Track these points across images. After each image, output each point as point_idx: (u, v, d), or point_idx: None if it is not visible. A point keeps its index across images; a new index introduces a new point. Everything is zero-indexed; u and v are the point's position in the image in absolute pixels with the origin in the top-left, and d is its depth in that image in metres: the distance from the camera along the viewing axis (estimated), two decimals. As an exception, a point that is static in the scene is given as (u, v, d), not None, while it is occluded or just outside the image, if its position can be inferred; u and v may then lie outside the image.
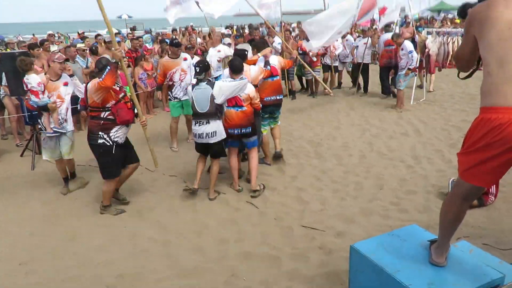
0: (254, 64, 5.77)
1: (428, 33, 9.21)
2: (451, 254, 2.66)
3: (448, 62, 8.68)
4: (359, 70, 10.67)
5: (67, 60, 5.98)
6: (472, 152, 2.26)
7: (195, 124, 5.00)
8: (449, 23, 15.04)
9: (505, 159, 2.19)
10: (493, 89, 2.17)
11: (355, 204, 4.90)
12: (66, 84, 5.23)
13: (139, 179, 5.86)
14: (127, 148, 4.89)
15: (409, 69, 8.76)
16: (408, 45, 8.84)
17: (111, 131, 4.56)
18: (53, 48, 9.18)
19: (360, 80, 10.90)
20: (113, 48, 5.01)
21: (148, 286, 3.54)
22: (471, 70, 2.67)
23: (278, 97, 6.07)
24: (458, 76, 2.79)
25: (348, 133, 7.66)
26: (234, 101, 5.05)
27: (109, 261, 3.91)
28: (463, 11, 2.62)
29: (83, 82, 8.06)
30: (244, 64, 5.35)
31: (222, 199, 5.17)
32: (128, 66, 9.01)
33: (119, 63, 4.59)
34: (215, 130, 4.92)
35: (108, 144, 4.56)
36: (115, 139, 4.60)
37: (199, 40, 12.82)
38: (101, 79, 4.33)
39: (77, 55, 8.42)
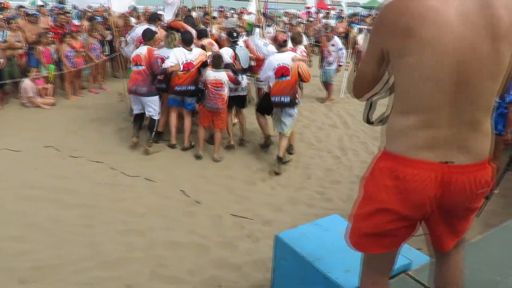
0: None
1: (360, 30, 9.62)
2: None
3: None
4: None
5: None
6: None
7: None
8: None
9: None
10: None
11: (284, 193, 5.05)
12: None
13: (62, 164, 5.54)
14: None
15: (339, 65, 9.08)
16: (338, 41, 9.17)
17: None
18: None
19: None
20: None
21: (65, 279, 3.35)
22: None
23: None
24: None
25: (281, 123, 7.79)
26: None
27: (24, 252, 3.65)
28: None
29: (-1, 58, 7.40)
30: None
31: (152, 186, 5.05)
32: (52, 42, 8.41)
33: None
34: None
35: None
36: None
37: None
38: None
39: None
